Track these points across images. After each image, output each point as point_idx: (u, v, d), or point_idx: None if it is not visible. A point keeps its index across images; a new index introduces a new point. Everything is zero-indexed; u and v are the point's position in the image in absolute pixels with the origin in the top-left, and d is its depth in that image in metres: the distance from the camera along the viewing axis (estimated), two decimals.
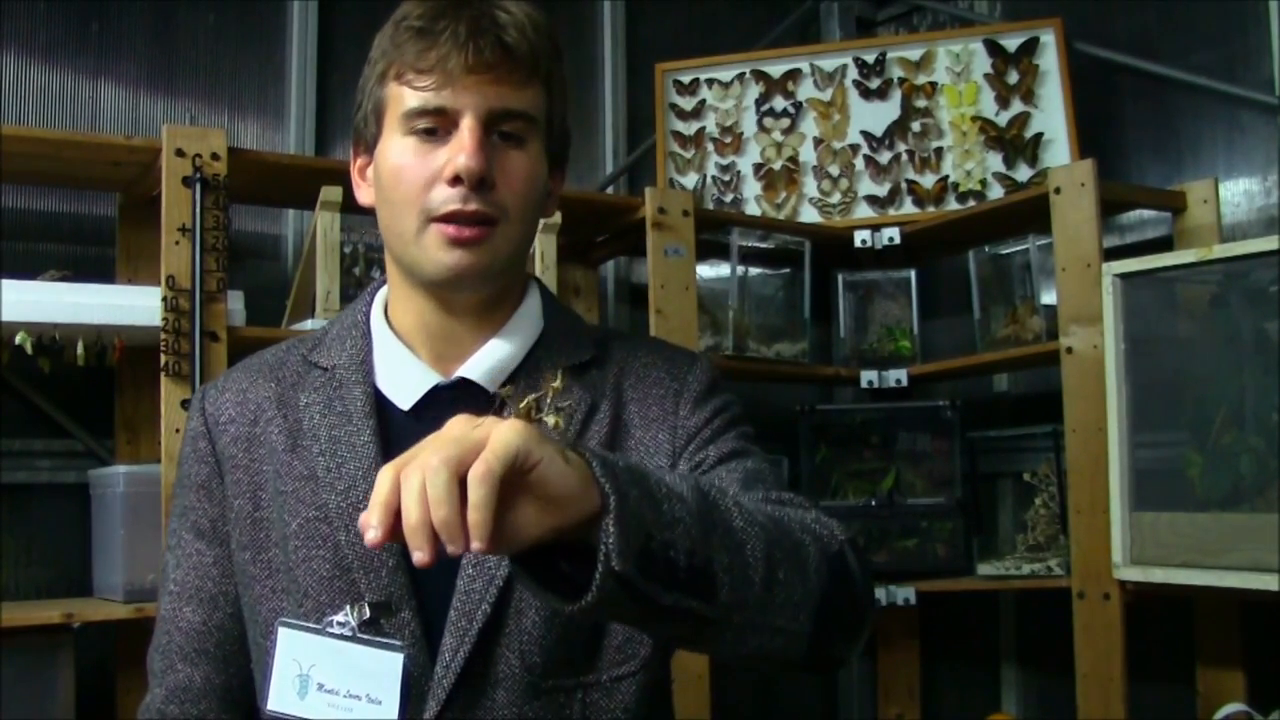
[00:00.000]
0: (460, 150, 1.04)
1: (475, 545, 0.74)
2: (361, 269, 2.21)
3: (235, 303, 2.02)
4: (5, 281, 1.90)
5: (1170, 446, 2.13)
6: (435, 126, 1.06)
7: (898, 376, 2.68)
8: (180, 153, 1.96)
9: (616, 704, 1.08)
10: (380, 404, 1.13)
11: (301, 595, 1.08)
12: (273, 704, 1.02)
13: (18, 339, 1.94)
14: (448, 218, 1.06)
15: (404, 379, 1.13)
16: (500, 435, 0.76)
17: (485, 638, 1.04)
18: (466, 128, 1.05)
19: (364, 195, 1.16)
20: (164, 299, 1.93)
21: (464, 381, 1.12)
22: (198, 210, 1.95)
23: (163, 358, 1.92)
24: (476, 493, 0.74)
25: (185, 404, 1.91)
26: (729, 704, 2.61)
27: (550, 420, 0.86)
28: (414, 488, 0.75)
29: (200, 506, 1.16)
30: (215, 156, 1.98)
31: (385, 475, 0.77)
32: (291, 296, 2.26)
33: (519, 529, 0.78)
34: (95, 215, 2.30)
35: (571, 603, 0.81)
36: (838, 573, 0.98)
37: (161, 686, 1.13)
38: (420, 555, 0.75)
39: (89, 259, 2.27)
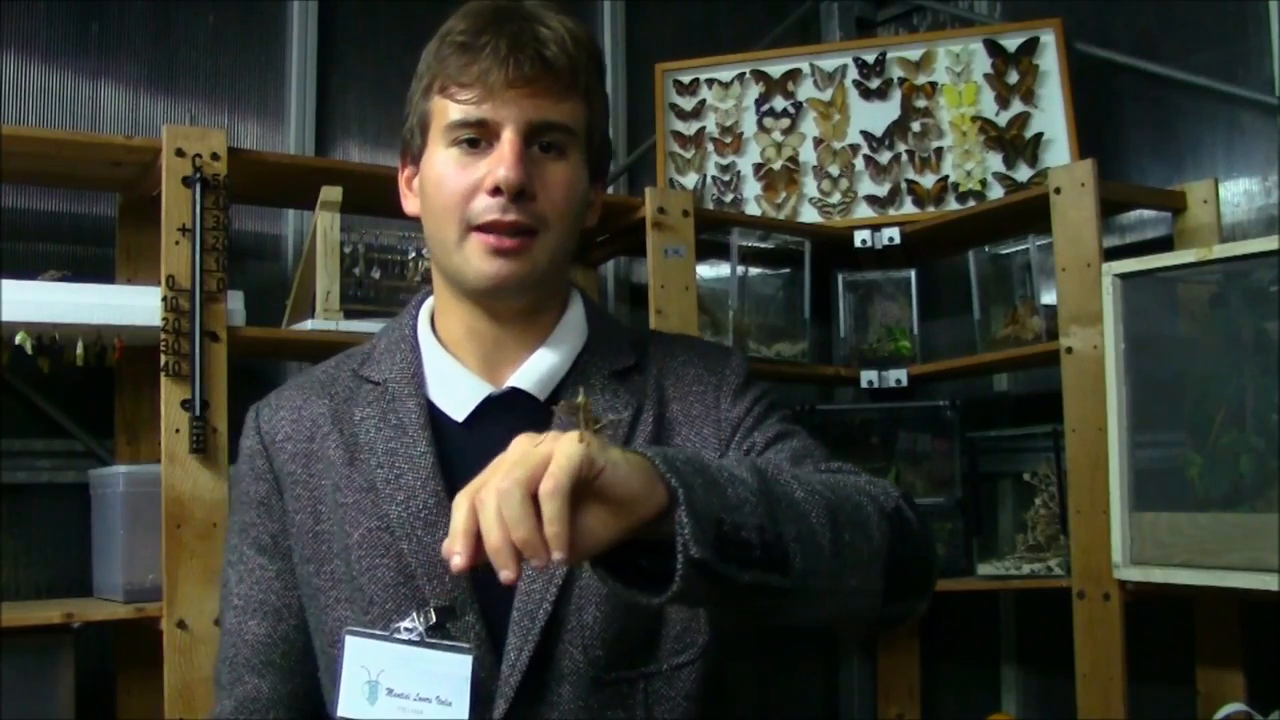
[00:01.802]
0: (500, 162, 1.08)
1: (556, 556, 0.79)
2: (361, 269, 2.21)
3: (235, 303, 2.02)
4: (5, 281, 1.90)
5: (1170, 446, 2.13)
6: (477, 138, 1.11)
7: (898, 376, 2.68)
8: (180, 153, 1.96)
9: (678, 692, 1.12)
10: (433, 415, 1.15)
11: (367, 603, 1.10)
12: (343, 710, 1.05)
13: (18, 339, 1.94)
14: (488, 227, 1.10)
15: (456, 391, 1.16)
16: (563, 449, 0.81)
17: (548, 634, 1.07)
18: (507, 140, 1.09)
19: (410, 205, 1.21)
20: (164, 299, 1.93)
21: (514, 391, 1.15)
22: (198, 210, 1.95)
23: (163, 358, 1.92)
24: (549, 507, 0.79)
25: (185, 404, 1.91)
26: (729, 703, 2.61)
27: (607, 423, 0.89)
28: (490, 511, 0.80)
29: (261, 523, 1.19)
30: (215, 156, 1.98)
31: (460, 503, 0.82)
32: (291, 296, 2.26)
33: (593, 534, 0.82)
34: (95, 215, 2.30)
35: (656, 596, 0.85)
36: (898, 527, 1.03)
37: (230, 698, 1.16)
38: (507, 574, 0.80)
39: (89, 259, 2.26)
